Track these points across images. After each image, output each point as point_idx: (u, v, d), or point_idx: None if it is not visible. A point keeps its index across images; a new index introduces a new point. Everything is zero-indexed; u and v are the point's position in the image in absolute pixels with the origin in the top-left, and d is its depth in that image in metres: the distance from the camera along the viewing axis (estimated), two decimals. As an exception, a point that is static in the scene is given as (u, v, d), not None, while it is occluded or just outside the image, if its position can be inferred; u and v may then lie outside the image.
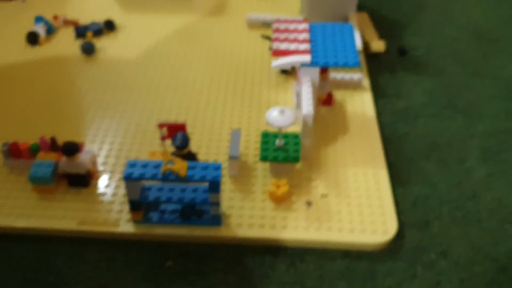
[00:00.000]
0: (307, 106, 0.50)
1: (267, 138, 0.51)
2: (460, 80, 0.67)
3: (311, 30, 0.58)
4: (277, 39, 0.56)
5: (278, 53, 0.55)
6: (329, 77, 0.62)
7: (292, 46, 0.55)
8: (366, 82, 0.64)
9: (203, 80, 0.64)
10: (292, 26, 0.58)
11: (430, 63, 0.70)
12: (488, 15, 0.81)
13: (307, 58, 0.53)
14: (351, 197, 0.49)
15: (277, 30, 0.58)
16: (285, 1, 0.81)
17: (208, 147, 0.54)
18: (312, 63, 0.53)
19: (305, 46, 0.55)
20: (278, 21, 0.59)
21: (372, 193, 0.49)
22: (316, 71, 0.54)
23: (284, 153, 0.50)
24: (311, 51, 0.54)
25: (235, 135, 0.52)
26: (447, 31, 0.77)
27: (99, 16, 0.75)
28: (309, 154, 0.53)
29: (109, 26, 0.72)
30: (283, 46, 0.55)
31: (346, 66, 0.53)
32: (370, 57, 0.71)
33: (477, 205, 0.50)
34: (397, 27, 0.78)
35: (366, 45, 0.72)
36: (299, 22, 0.59)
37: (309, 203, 0.48)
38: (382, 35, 0.75)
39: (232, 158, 0.49)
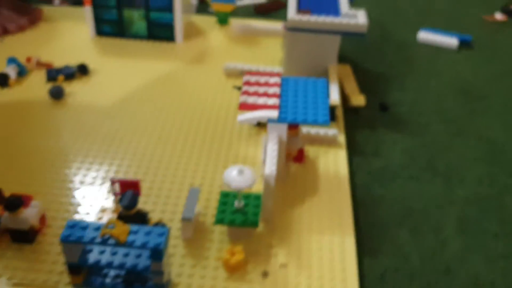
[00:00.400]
0: (270, 165, 0.47)
1: (226, 198, 0.48)
2: (442, 140, 0.64)
3: (282, 84, 0.55)
4: (245, 92, 0.54)
5: (245, 107, 0.52)
6: (302, 132, 0.59)
7: (261, 100, 0.52)
8: (342, 138, 0.61)
9: (170, 130, 0.61)
10: (263, 79, 0.55)
11: (412, 120, 0.67)
12: (477, 71, 0.79)
13: (274, 113, 0.50)
14: (312, 268, 0.45)
15: (247, 83, 0.55)
16: (269, 52, 0.79)
17: (165, 204, 0.51)
18: (280, 119, 0.50)
19: (273, 101, 0.52)
20: (249, 73, 0.57)
21: (336, 264, 0.45)
22: (283, 127, 0.51)
23: (242, 216, 0.46)
24: (280, 107, 0.52)
25: (193, 193, 0.48)
26: (433, 87, 0.74)
27: (75, 59, 0.73)
28: (271, 216, 0.49)
29: (82, 70, 0.70)
30: (251, 99, 0.52)
31: (315, 124, 0.50)
32: (350, 111, 0.68)
33: (451, 281, 0.46)
34: (381, 81, 0.75)
35: (346, 98, 0.69)
36: (271, 75, 0.56)
37: (265, 274, 0.44)
38: (364, 88, 0.72)
39: (185, 220, 0.46)
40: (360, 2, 0.99)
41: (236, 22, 0.84)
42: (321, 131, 0.60)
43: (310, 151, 0.59)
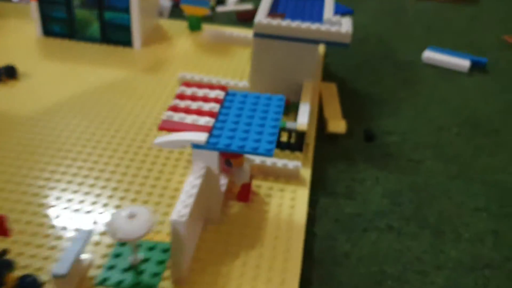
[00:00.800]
0: (181, 208, 0.34)
1: (122, 248, 0.35)
2: (438, 182, 0.50)
3: (226, 100, 0.43)
4: (173, 108, 0.41)
5: (167, 126, 0.40)
6: (252, 161, 0.46)
7: (189, 119, 0.40)
8: (306, 173, 0.48)
9: (93, 149, 0.49)
10: (201, 92, 0.43)
11: (403, 154, 0.54)
12: (489, 99, 0.65)
13: (201, 137, 0.38)
14: None
15: (181, 96, 0.43)
16: (240, 64, 0.66)
17: (51, 249, 0.38)
18: (209, 145, 0.38)
19: (206, 121, 0.40)
20: (186, 83, 0.44)
21: None
22: (213, 156, 0.39)
23: (135, 276, 0.33)
24: (213, 128, 0.39)
25: (79, 239, 0.36)
26: (434, 115, 0.61)
27: (11, 60, 0.62)
28: (184, 276, 0.36)
29: (9, 72, 0.59)
30: (178, 117, 0.40)
31: (254, 154, 0.37)
32: (327, 139, 0.55)
33: None
34: (372, 105, 0.62)
35: (324, 123, 0.57)
36: (213, 87, 0.44)
37: None
38: (350, 113, 0.59)
39: (57, 276, 0.33)
40: (360, 15, 0.87)
41: (209, 29, 0.73)
42: (280, 162, 0.47)
43: (263, 187, 0.46)
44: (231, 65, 0.66)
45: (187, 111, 0.41)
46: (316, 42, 0.55)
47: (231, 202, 0.44)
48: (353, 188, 0.48)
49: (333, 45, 0.54)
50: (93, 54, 0.66)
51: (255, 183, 0.46)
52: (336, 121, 0.56)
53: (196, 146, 0.38)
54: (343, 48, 0.54)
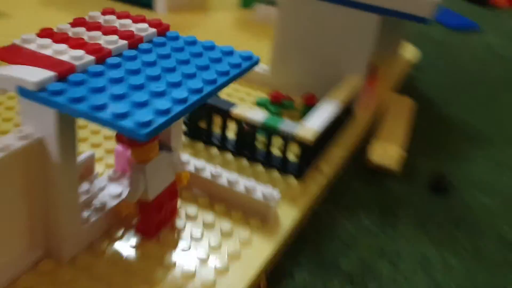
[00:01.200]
0: None
1: None
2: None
3: (152, 41, 0.24)
4: (45, 32, 0.23)
5: (4, 54, 0.21)
6: (181, 159, 0.26)
7: (51, 50, 0.21)
8: (287, 216, 0.26)
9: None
10: (117, 23, 0.25)
11: (494, 229, 0.29)
12: None
13: (31, 76, 0.19)
14: None
15: (78, 21, 0.24)
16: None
17: None
18: (40, 95, 0.19)
19: (74, 56, 0.21)
20: (107, 11, 0.26)
21: None
22: (51, 118, 0.19)
23: None
24: (78, 71, 0.20)
25: None
26: None
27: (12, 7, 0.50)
28: None
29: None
30: (36, 44, 0.22)
31: (115, 127, 0.18)
32: (367, 174, 0.33)
33: None
34: (465, 141, 0.38)
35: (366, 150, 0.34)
36: (143, 21, 0.25)
37: None
38: (423, 144, 0.36)
39: None
40: (489, 34, 0.62)
41: (262, 8, 0.54)
42: (242, 182, 0.26)
43: (197, 219, 0.25)
44: (262, 49, 0.46)
45: (62, 40, 0.22)
46: (377, 10, 0.33)
47: (122, 230, 0.24)
48: (372, 267, 0.25)
49: (405, 18, 0.32)
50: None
51: (190, 210, 0.25)
52: (386, 147, 0.33)
53: (23, 92, 0.19)
54: (421, 23, 0.32)
